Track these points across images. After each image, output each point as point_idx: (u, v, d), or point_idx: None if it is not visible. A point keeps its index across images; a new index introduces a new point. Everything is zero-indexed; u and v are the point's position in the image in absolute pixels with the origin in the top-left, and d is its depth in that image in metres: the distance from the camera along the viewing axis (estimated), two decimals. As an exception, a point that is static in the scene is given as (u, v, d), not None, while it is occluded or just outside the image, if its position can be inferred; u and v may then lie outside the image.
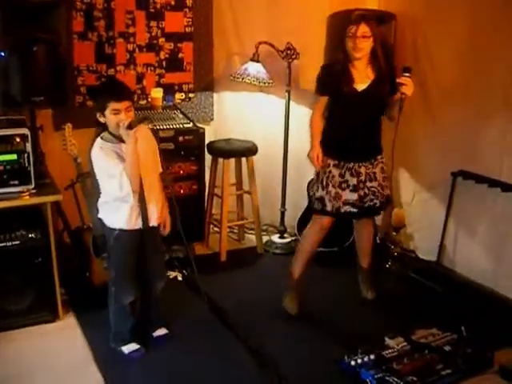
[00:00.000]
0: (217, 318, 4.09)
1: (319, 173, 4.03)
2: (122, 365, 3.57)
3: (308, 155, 4.03)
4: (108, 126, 3.33)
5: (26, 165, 3.79)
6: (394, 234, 5.04)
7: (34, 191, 3.80)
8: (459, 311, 4.18)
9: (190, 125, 4.74)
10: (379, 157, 4.12)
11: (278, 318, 4.12)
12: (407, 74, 3.83)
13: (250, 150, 5.00)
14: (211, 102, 5.28)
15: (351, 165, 4.00)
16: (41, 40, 3.83)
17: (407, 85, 3.80)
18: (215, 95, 5.29)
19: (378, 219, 5.37)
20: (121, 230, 3.46)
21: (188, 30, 4.99)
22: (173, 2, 4.88)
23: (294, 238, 5.24)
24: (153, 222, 3.51)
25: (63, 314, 4.00)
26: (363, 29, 3.78)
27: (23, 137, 3.76)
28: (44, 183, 3.95)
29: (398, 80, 3.83)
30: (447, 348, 3.57)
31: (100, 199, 3.51)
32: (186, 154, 4.67)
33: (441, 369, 3.38)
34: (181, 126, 4.68)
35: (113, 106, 3.24)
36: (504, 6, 4.20)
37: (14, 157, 3.76)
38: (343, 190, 4.00)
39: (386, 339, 3.67)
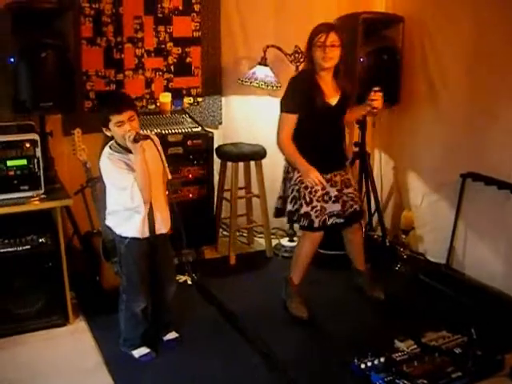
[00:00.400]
0: (226, 321, 4.10)
1: (300, 189, 3.95)
2: (133, 368, 3.57)
3: (305, 180, 3.88)
4: (115, 138, 3.35)
5: (36, 170, 3.81)
6: (403, 236, 5.03)
7: (43, 196, 3.82)
8: (469, 314, 4.16)
9: (199, 129, 4.75)
10: (347, 163, 4.18)
11: (287, 322, 4.11)
12: (377, 89, 3.91)
13: (259, 154, 5.01)
14: (219, 106, 5.28)
15: (329, 176, 3.99)
16: (49, 46, 3.87)
17: (378, 100, 3.90)
18: (223, 99, 5.29)
19: (387, 222, 5.38)
20: (132, 239, 3.47)
21: (196, 34, 5.00)
22: (181, 7, 4.88)
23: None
24: (162, 230, 3.52)
25: (73, 317, 4.01)
26: (332, 37, 3.77)
27: (33, 142, 3.79)
28: (54, 188, 3.98)
29: (370, 96, 3.90)
30: (457, 351, 3.55)
31: (108, 208, 3.52)
32: (194, 158, 4.67)
33: (451, 372, 3.36)
34: (189, 130, 4.69)
35: (115, 118, 3.25)
36: (509, 6, 4.20)
37: (24, 162, 3.78)
38: (326, 202, 3.98)
39: (396, 342, 3.66)
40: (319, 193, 3.93)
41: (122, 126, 3.25)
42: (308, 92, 3.84)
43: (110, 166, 3.34)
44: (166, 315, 3.81)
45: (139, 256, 3.52)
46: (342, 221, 4.06)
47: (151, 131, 4.42)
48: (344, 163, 4.15)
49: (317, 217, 3.95)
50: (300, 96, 3.87)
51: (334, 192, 3.99)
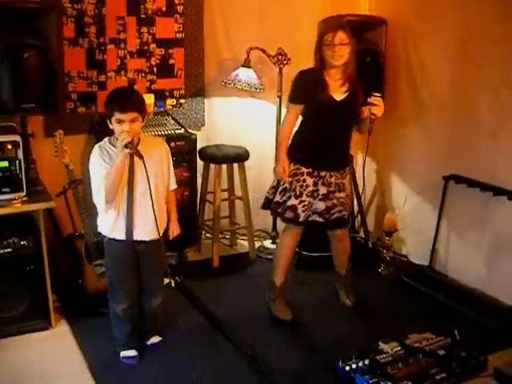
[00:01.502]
0: (210, 323, 4.08)
1: (292, 181, 3.97)
2: (116, 372, 3.54)
3: (274, 169, 4.02)
4: (115, 132, 3.34)
5: (18, 172, 3.77)
6: (386, 238, 5.04)
7: (25, 198, 3.78)
8: (452, 315, 4.19)
9: (182, 131, 4.73)
10: (347, 168, 4.15)
11: (272, 324, 4.12)
12: (378, 94, 3.87)
13: (242, 156, 5.00)
14: (202, 108, 5.26)
15: (323, 173, 3.97)
16: (31, 46, 3.81)
17: (378, 105, 3.85)
18: (206, 101, 5.27)
19: (370, 224, 5.40)
20: (110, 238, 3.48)
21: (179, 35, 4.97)
22: (164, 8, 4.86)
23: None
24: (142, 237, 3.47)
25: (56, 321, 3.98)
26: (341, 36, 3.75)
27: (15, 144, 3.74)
28: (36, 190, 3.93)
29: (368, 100, 3.86)
30: (441, 352, 3.57)
31: None
32: (177, 160, 4.60)
33: (435, 373, 3.39)
34: (172, 131, 4.67)
35: (117, 116, 3.24)
36: (495, 10, 4.23)
37: (5, 164, 3.73)
38: (314, 198, 3.99)
39: (380, 344, 3.67)
40: (310, 188, 3.94)
41: (121, 125, 3.24)
42: (313, 85, 3.84)
43: (95, 154, 3.37)
44: (150, 322, 3.78)
45: (117, 256, 3.52)
46: (322, 220, 4.05)
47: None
48: (343, 166, 4.09)
49: (303, 211, 3.96)
50: (305, 88, 3.87)
51: (323, 190, 3.98)
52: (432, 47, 4.73)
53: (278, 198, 4.05)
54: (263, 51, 4.89)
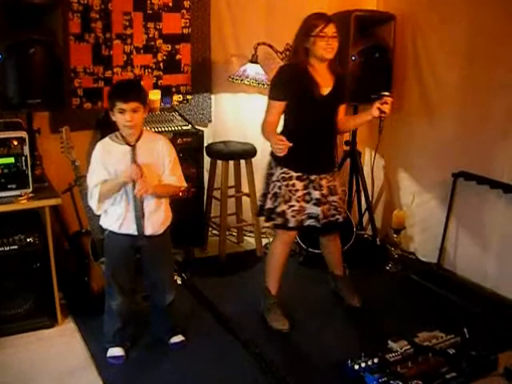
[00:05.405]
0: (217, 321, 4.06)
1: (281, 186, 3.84)
2: (122, 370, 3.52)
3: (273, 148, 3.64)
4: (117, 125, 3.33)
5: (24, 168, 3.75)
6: (395, 235, 5.00)
7: (31, 195, 3.76)
8: (460, 313, 4.16)
9: (189, 127, 4.70)
10: (336, 169, 4.07)
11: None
12: (387, 93, 3.75)
13: (249, 152, 4.97)
14: (209, 104, 5.23)
15: (313, 177, 3.86)
16: (37, 42, 3.80)
17: (389, 105, 3.71)
18: (213, 97, 5.24)
19: (378, 221, 5.36)
20: (111, 231, 3.47)
21: (185, 31, 4.95)
22: (170, 3, 4.84)
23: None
24: (148, 231, 3.45)
25: (62, 319, 3.96)
26: (333, 28, 3.68)
27: (21, 140, 3.72)
28: (42, 187, 3.92)
29: (380, 101, 3.72)
30: (451, 351, 3.54)
31: None
32: (184, 157, 4.58)
33: (445, 372, 3.34)
34: (179, 128, 4.63)
35: (119, 105, 3.25)
36: (504, 6, 4.19)
37: (11, 160, 3.71)
38: (307, 202, 3.87)
39: (390, 342, 3.63)
40: (300, 192, 3.83)
41: (123, 114, 3.25)
42: (298, 80, 3.72)
43: (96, 153, 3.38)
44: (166, 320, 3.75)
45: (117, 251, 3.51)
46: (318, 225, 3.93)
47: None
48: (332, 168, 3.99)
49: (293, 216, 3.84)
50: (288, 84, 3.74)
51: (316, 195, 3.87)
52: (441, 43, 4.69)
53: (269, 204, 3.91)
54: (271, 47, 4.85)
